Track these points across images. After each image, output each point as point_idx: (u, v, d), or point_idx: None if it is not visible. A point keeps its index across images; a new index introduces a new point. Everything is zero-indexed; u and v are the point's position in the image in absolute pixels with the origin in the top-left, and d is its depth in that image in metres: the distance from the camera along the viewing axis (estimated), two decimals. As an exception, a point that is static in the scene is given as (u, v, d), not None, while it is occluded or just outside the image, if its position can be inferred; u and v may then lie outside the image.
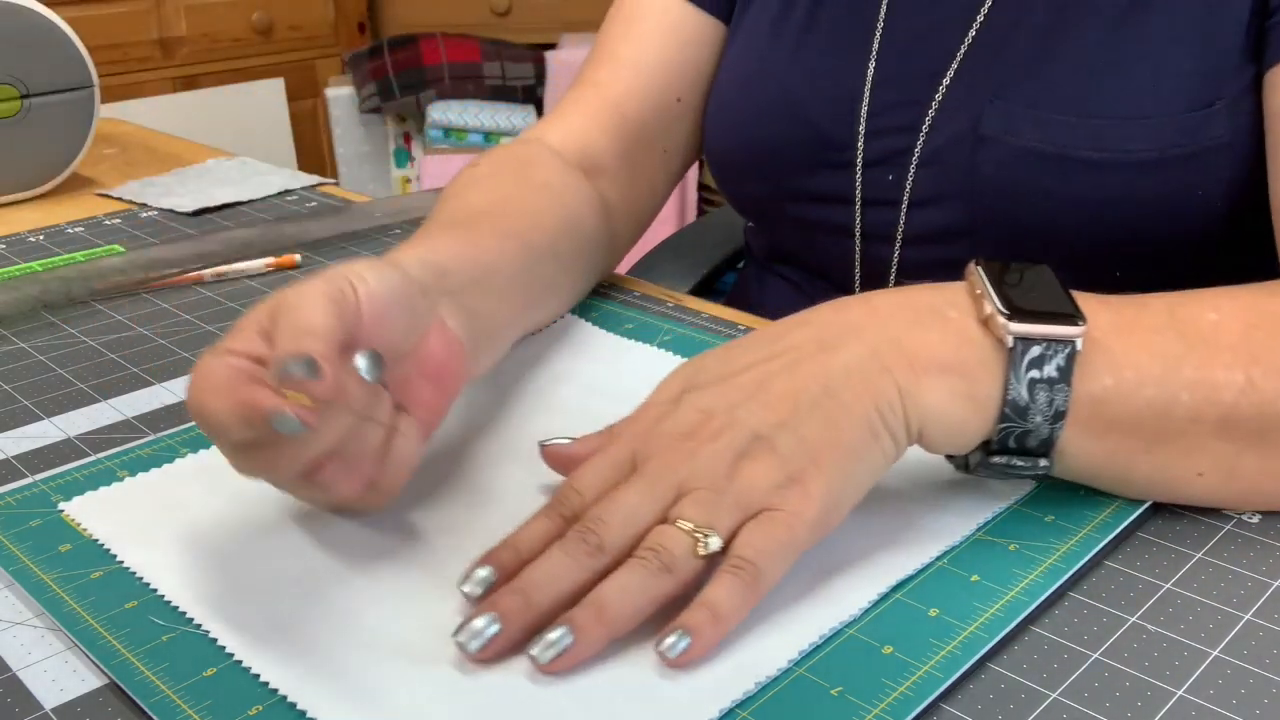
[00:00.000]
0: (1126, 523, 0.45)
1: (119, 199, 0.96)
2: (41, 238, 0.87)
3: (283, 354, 0.40)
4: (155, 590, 0.43)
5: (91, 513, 0.48)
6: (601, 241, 0.70)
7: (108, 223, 0.90)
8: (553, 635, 0.38)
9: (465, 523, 0.47)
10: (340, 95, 2.75)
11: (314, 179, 1.00)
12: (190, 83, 2.63)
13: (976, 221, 0.65)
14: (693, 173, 2.33)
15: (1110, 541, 0.45)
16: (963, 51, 0.65)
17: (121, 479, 0.51)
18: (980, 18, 0.65)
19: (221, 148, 1.15)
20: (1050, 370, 0.42)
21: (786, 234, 0.77)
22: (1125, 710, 0.37)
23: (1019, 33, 0.63)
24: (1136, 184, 0.60)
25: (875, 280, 0.72)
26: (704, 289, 1.09)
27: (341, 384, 0.41)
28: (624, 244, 0.76)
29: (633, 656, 0.39)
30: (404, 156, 2.78)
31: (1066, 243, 0.63)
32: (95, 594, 0.43)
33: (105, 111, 1.03)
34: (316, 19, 2.81)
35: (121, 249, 0.83)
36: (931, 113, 0.66)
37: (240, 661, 0.39)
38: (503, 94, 2.64)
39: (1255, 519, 0.46)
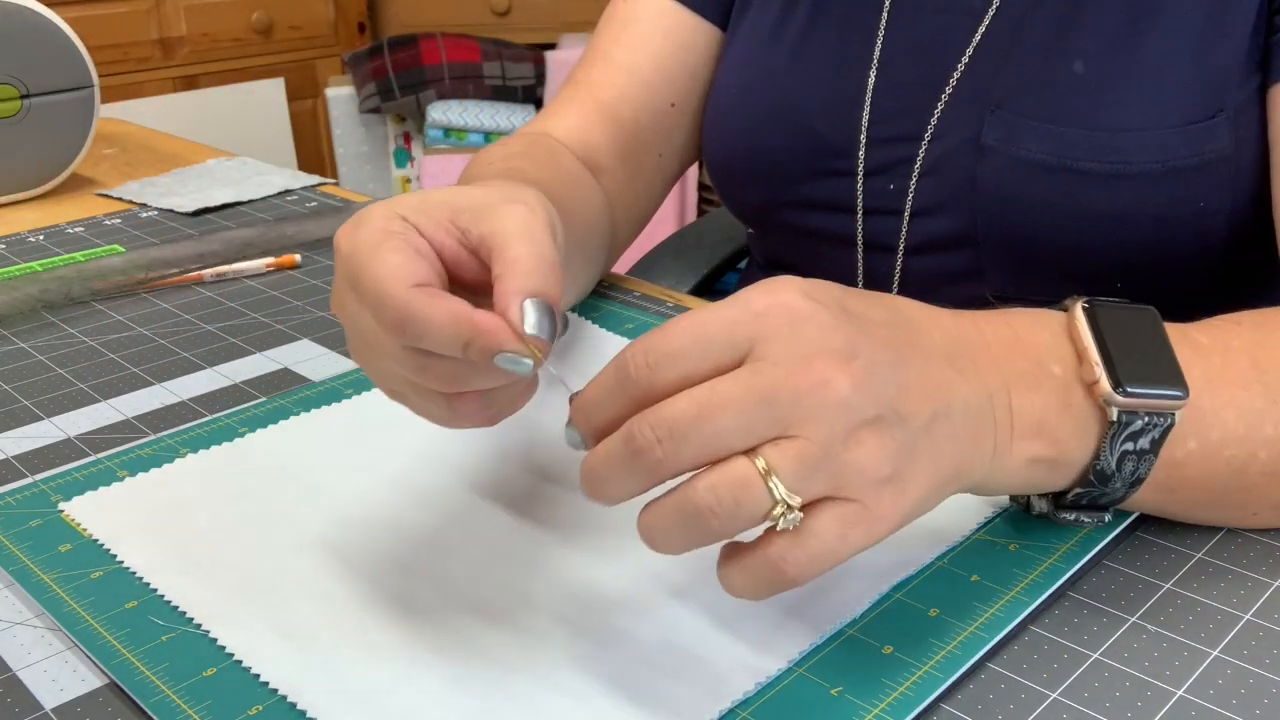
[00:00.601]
0: (1126, 523, 0.45)
1: (119, 199, 0.96)
2: (41, 238, 0.87)
3: (535, 300, 0.38)
4: (155, 590, 0.43)
5: (91, 513, 0.48)
6: (609, 239, 0.71)
7: (108, 223, 0.90)
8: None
9: (464, 522, 0.47)
10: (340, 95, 2.75)
11: (314, 179, 1.00)
12: (190, 83, 2.63)
13: (978, 231, 0.65)
14: (692, 172, 2.33)
15: (1110, 541, 0.45)
16: (965, 61, 0.65)
17: (121, 479, 0.51)
18: (983, 28, 0.65)
19: (221, 148, 1.15)
20: (1144, 444, 0.41)
21: (787, 242, 0.77)
22: (1125, 710, 0.37)
23: (1021, 44, 0.63)
24: (1139, 195, 0.60)
25: (878, 289, 0.71)
26: (704, 289, 1.09)
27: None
28: (622, 243, 0.76)
29: (633, 656, 0.39)
30: (404, 156, 2.78)
31: (1068, 254, 0.63)
32: (95, 594, 0.43)
33: (105, 111, 1.03)
34: (316, 19, 2.81)
35: (121, 249, 0.83)
36: (933, 122, 0.66)
37: (240, 661, 0.39)
38: (503, 94, 2.64)
39: (1255, 519, 0.46)
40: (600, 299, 0.70)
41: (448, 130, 2.60)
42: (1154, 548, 0.45)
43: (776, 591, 0.35)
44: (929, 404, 0.37)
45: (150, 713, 0.37)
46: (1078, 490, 0.42)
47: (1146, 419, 0.40)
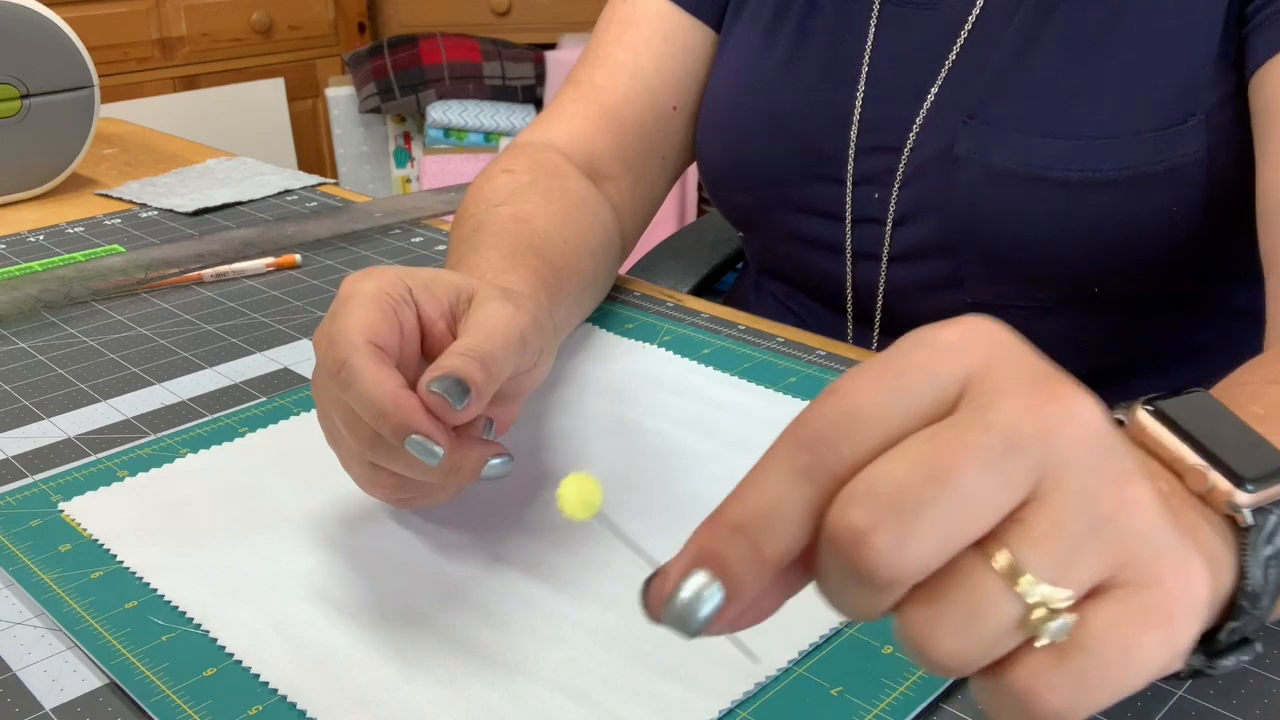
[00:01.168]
0: (1126, 523, 0.45)
1: (119, 199, 0.96)
2: (41, 238, 0.87)
3: (476, 380, 0.40)
4: (155, 590, 0.43)
5: (91, 513, 0.48)
6: (619, 251, 0.71)
7: (108, 223, 0.90)
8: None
9: (466, 522, 0.47)
10: (340, 95, 2.75)
11: (314, 179, 1.00)
12: (190, 83, 2.63)
13: (956, 240, 0.65)
14: (692, 172, 2.33)
15: (1110, 541, 0.44)
16: (944, 71, 0.65)
17: (121, 479, 0.51)
18: (961, 37, 0.65)
19: (221, 148, 1.15)
20: None
21: (776, 246, 0.77)
22: (1125, 710, 0.37)
23: (994, 53, 0.63)
24: (1111, 202, 0.60)
25: (866, 298, 0.72)
26: (704, 289, 1.09)
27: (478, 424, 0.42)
28: (628, 246, 0.76)
29: (633, 656, 0.39)
30: (404, 156, 2.78)
31: (1044, 261, 0.63)
32: (95, 594, 0.43)
33: (105, 111, 1.03)
34: (316, 19, 2.81)
35: (121, 249, 0.83)
36: (914, 132, 0.66)
37: (240, 661, 0.39)
38: (503, 94, 2.64)
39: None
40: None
41: (448, 130, 2.61)
42: (1154, 548, 0.45)
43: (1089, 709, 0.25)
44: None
45: (150, 713, 0.37)
46: (1231, 625, 0.31)
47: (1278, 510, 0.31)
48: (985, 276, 0.66)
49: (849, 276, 0.72)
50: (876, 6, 0.68)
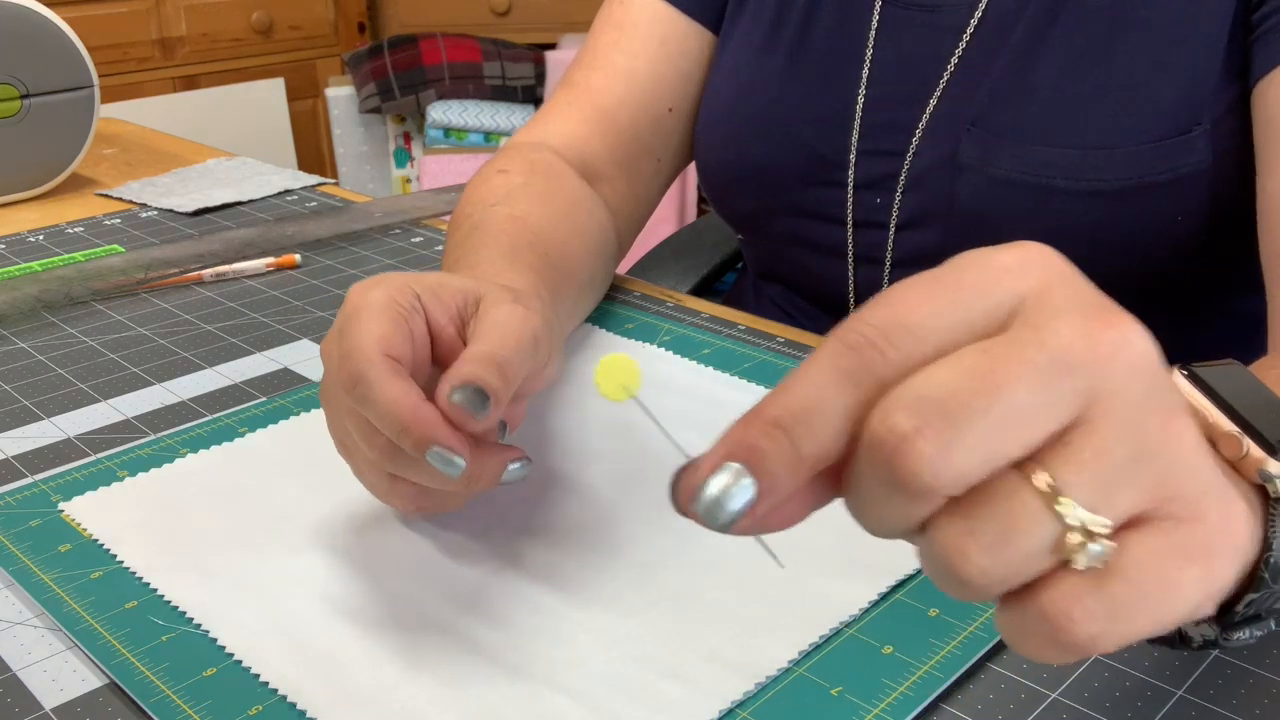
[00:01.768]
0: (1126, 523, 0.45)
1: (119, 199, 0.96)
2: (41, 238, 0.87)
3: (495, 387, 0.40)
4: (155, 590, 0.43)
5: (91, 513, 0.48)
6: (615, 250, 0.71)
7: (108, 223, 0.90)
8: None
9: (467, 523, 0.47)
10: (340, 95, 2.75)
11: (314, 179, 1.00)
12: (190, 83, 2.63)
13: (959, 246, 0.65)
14: (692, 173, 2.32)
15: (1110, 541, 0.44)
16: (946, 77, 0.65)
17: (121, 479, 0.51)
18: (963, 44, 0.65)
19: (221, 148, 1.15)
20: None
21: (776, 250, 0.77)
22: (1125, 710, 0.37)
23: (997, 61, 0.63)
24: (1115, 212, 0.60)
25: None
26: (704, 289, 1.09)
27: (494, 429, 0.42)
28: (623, 247, 0.76)
29: (633, 656, 0.39)
30: (404, 156, 2.78)
31: None
32: (95, 594, 0.43)
33: (105, 111, 1.03)
34: (316, 19, 2.81)
35: (121, 249, 0.83)
36: (916, 137, 0.66)
37: (240, 661, 0.39)
38: (503, 94, 2.64)
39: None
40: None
41: (448, 130, 2.61)
42: (1154, 548, 0.45)
43: (1068, 657, 0.25)
44: None
45: (150, 713, 0.37)
46: (1250, 597, 0.30)
47: None
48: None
49: (851, 280, 0.72)
50: (878, 10, 0.68)
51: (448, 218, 0.88)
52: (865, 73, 0.68)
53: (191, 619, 0.42)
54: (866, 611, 0.41)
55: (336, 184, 1.00)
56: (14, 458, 0.54)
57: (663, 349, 0.63)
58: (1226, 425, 0.30)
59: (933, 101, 0.65)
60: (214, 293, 0.75)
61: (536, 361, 0.44)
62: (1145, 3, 0.59)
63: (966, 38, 0.65)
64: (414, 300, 0.44)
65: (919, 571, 0.43)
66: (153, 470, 0.52)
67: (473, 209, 0.63)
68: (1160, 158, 0.59)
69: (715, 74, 0.75)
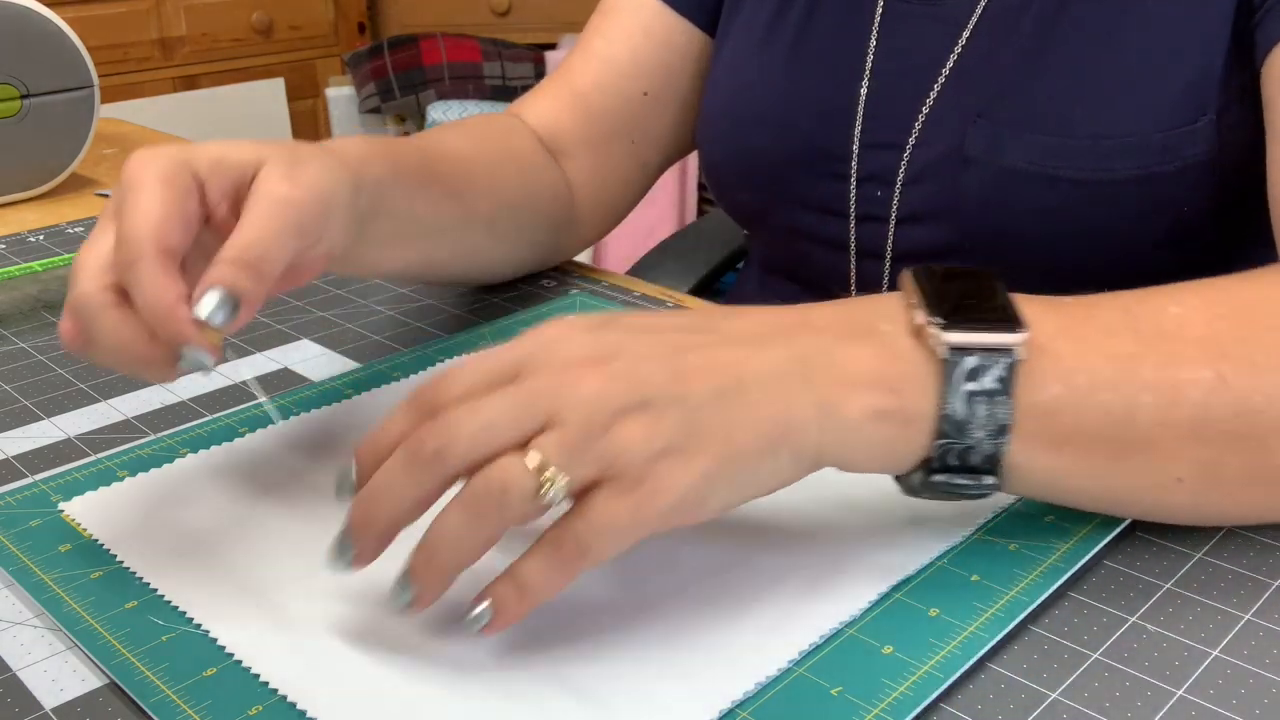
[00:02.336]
0: (1127, 522, 0.45)
1: (119, 199, 0.96)
2: (41, 238, 0.87)
3: (245, 290, 0.43)
4: (155, 590, 0.43)
5: (91, 513, 0.48)
6: (558, 222, 0.72)
7: (108, 223, 0.90)
8: (395, 586, 0.39)
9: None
10: (340, 95, 2.75)
11: (314, 179, 1.00)
12: (190, 83, 2.63)
13: (964, 240, 0.65)
14: (692, 173, 2.33)
15: (1110, 541, 0.44)
16: (948, 69, 0.65)
17: (121, 479, 0.51)
18: (966, 35, 0.65)
19: (221, 148, 1.15)
20: (989, 382, 0.39)
21: (780, 244, 0.77)
22: (1125, 710, 0.37)
23: (1003, 52, 0.63)
24: (1123, 202, 0.60)
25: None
26: (704, 289, 1.09)
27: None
28: (590, 230, 0.77)
29: (633, 656, 0.39)
30: (404, 156, 2.78)
31: (1054, 261, 0.63)
32: (95, 594, 0.43)
33: (105, 111, 1.03)
34: (316, 19, 2.81)
35: (121, 249, 0.83)
36: (918, 130, 0.66)
37: (240, 661, 0.39)
38: (503, 94, 2.64)
39: (1255, 519, 0.46)
40: (600, 299, 0.70)
41: (448, 130, 2.61)
42: (1154, 548, 0.45)
43: (569, 573, 0.37)
44: (711, 382, 0.39)
45: (150, 713, 0.37)
46: (940, 444, 0.40)
47: (982, 355, 0.39)
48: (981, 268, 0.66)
49: (853, 274, 0.72)
50: (881, 2, 0.68)
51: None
52: (868, 65, 0.68)
53: (191, 619, 0.42)
54: (866, 611, 0.41)
55: (336, 184, 1.00)
56: (14, 458, 0.54)
57: (663, 349, 0.63)
58: (918, 301, 0.41)
59: (934, 93, 0.65)
60: (214, 293, 0.75)
61: (304, 240, 0.46)
62: None
63: (970, 29, 0.65)
64: (190, 180, 0.45)
65: (919, 571, 0.43)
66: (153, 470, 0.52)
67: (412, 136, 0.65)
68: (1167, 147, 0.59)
69: (715, 68, 0.76)
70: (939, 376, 0.40)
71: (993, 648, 0.39)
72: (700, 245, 1.13)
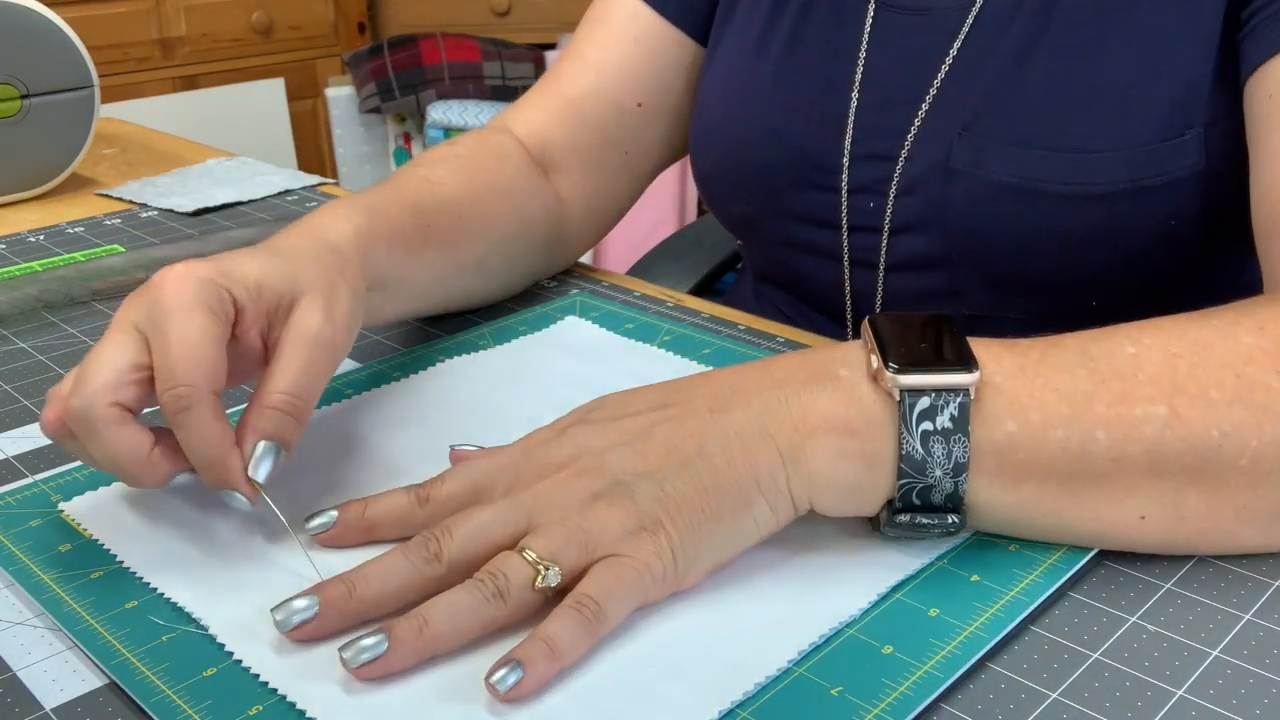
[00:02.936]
0: (1126, 523, 0.45)
1: (119, 199, 0.96)
2: (41, 238, 0.87)
3: (269, 444, 0.45)
4: (155, 590, 0.43)
5: (91, 513, 0.48)
6: (550, 243, 0.73)
7: (108, 223, 0.90)
8: (368, 640, 0.38)
9: (465, 523, 0.47)
10: (340, 95, 2.75)
11: (314, 179, 1.00)
12: (190, 83, 2.63)
13: (952, 251, 0.65)
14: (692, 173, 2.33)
15: (1110, 541, 0.44)
16: (938, 81, 0.65)
17: (121, 479, 0.51)
18: (955, 48, 0.65)
19: (221, 148, 1.15)
20: (944, 421, 0.41)
21: (773, 254, 0.77)
22: (1125, 710, 0.37)
23: (990, 65, 0.63)
24: (1109, 215, 0.60)
25: (864, 306, 0.72)
26: (704, 289, 1.09)
27: None
28: (582, 241, 0.77)
29: (633, 656, 0.39)
30: (404, 156, 2.78)
31: (1042, 273, 0.63)
32: (95, 594, 0.43)
33: (105, 111, 1.03)
34: (316, 19, 2.81)
35: (121, 249, 0.83)
36: (909, 142, 0.66)
37: (240, 661, 0.39)
38: (503, 94, 2.64)
39: (1255, 519, 0.46)
40: (600, 299, 0.71)
41: (448, 130, 2.61)
42: (1154, 548, 0.45)
43: (592, 633, 0.39)
44: (675, 455, 0.42)
45: (150, 713, 0.37)
46: (901, 484, 0.42)
47: (934, 395, 0.41)
48: (982, 288, 0.66)
49: (847, 285, 0.72)
50: (871, 14, 0.68)
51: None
52: (858, 76, 0.68)
53: (192, 619, 0.42)
54: (866, 611, 0.41)
55: (336, 184, 1.00)
56: (14, 458, 0.54)
57: (663, 349, 0.63)
58: (873, 346, 0.43)
59: (925, 105, 0.65)
60: (214, 293, 0.75)
61: (334, 366, 0.49)
62: (1138, 6, 0.59)
63: (960, 41, 0.64)
64: (230, 309, 0.46)
65: (919, 571, 0.43)
66: (153, 470, 0.51)
67: (405, 167, 0.66)
68: (1154, 161, 0.59)
69: (707, 79, 0.75)
70: (896, 418, 0.41)
71: (993, 648, 0.39)
72: (700, 246, 1.13)
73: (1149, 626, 0.40)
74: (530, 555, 0.40)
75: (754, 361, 0.46)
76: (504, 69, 2.64)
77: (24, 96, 0.92)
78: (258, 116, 2.71)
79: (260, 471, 0.45)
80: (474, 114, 2.58)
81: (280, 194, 0.97)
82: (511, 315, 0.68)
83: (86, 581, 0.44)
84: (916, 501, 0.42)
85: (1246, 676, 0.38)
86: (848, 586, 0.42)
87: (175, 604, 0.42)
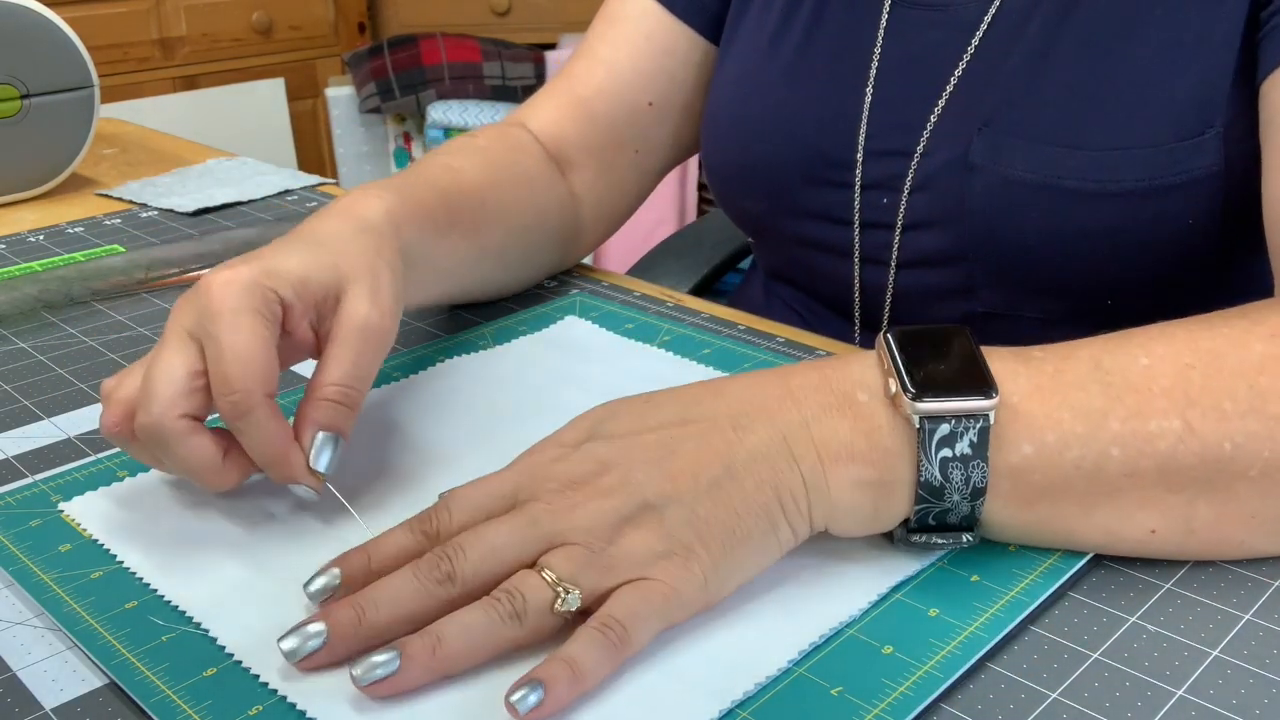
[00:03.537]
0: (1126, 523, 0.45)
1: (119, 199, 0.96)
2: (41, 238, 0.87)
3: (327, 435, 0.46)
4: (155, 590, 0.43)
5: (91, 513, 0.48)
6: (565, 237, 0.73)
7: (108, 223, 0.90)
8: (379, 658, 0.37)
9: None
10: (340, 95, 2.75)
11: (314, 179, 1.00)
12: (190, 83, 2.63)
13: (968, 248, 0.65)
14: (692, 173, 2.33)
15: (1110, 541, 0.44)
16: (956, 77, 0.65)
17: (121, 479, 0.51)
18: (974, 44, 0.64)
19: (222, 148, 1.15)
20: (963, 447, 0.41)
21: (785, 251, 0.77)
22: (1125, 710, 0.37)
23: (1009, 61, 0.63)
24: (1127, 214, 0.60)
25: (874, 303, 0.72)
26: (704, 289, 1.09)
27: None
28: (592, 238, 0.77)
29: (633, 657, 0.39)
30: (404, 156, 2.78)
31: (1058, 271, 0.63)
32: (95, 594, 0.43)
33: (105, 111, 1.03)
34: (316, 19, 2.81)
35: (121, 249, 0.83)
36: (925, 138, 0.66)
37: (240, 661, 0.39)
38: (503, 94, 2.64)
39: (1255, 519, 0.46)
40: (600, 299, 0.70)
41: (448, 130, 2.60)
42: (1154, 548, 0.45)
43: (615, 656, 0.38)
44: (703, 475, 0.41)
45: (150, 713, 0.37)
46: (918, 508, 0.42)
47: (954, 422, 0.41)
48: (997, 285, 0.66)
49: (857, 281, 0.71)
50: (886, 10, 0.68)
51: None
52: (873, 73, 0.68)
53: (191, 619, 0.42)
54: (866, 611, 0.41)
55: (337, 184, 1.00)
56: (14, 458, 0.54)
57: (663, 349, 0.63)
58: (887, 369, 0.42)
59: (942, 101, 0.65)
60: (214, 293, 0.75)
61: (385, 351, 0.49)
62: (1159, 4, 0.59)
63: (978, 37, 0.64)
64: (278, 309, 0.47)
65: (919, 572, 0.43)
66: (153, 470, 0.52)
67: (426, 155, 0.67)
68: (1173, 160, 0.59)
69: (719, 76, 0.75)
70: (914, 445, 0.41)
71: (993, 648, 0.39)
72: (700, 245, 1.13)
73: (1149, 626, 0.40)
74: (550, 576, 0.39)
75: (767, 371, 0.45)
76: (504, 69, 2.64)
77: (24, 96, 0.92)
78: (258, 116, 2.71)
79: (321, 462, 0.46)
80: (474, 114, 2.58)
81: (280, 194, 0.97)
82: (511, 315, 0.68)
83: (86, 581, 0.44)
84: (932, 523, 0.42)
85: (1246, 676, 0.38)
86: (848, 586, 0.42)
87: (175, 604, 0.42)
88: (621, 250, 2.16)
